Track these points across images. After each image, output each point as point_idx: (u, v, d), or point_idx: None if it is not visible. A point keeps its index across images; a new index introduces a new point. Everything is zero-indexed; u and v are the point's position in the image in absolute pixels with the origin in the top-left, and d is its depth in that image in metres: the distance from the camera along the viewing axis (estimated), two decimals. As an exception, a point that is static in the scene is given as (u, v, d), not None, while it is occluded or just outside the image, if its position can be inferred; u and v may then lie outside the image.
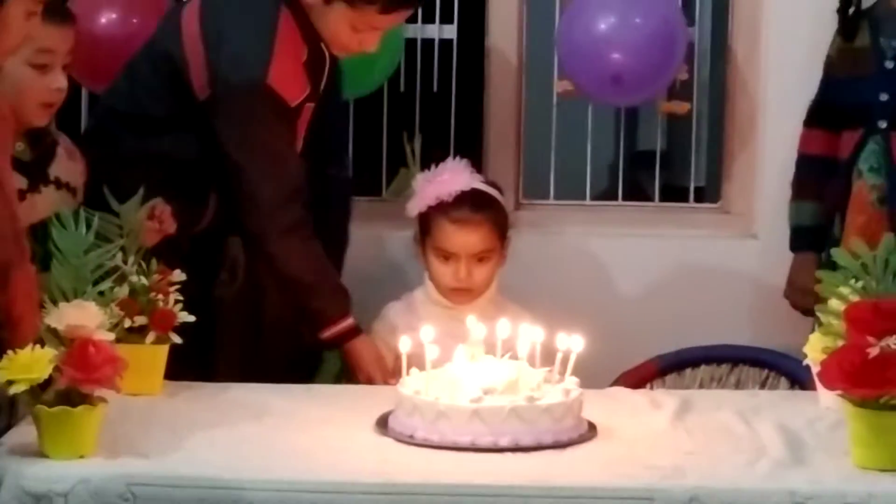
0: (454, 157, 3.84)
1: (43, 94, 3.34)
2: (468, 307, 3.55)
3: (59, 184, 3.42)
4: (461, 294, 3.69)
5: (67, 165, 3.47)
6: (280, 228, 3.58)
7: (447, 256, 3.70)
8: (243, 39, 3.53)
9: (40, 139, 3.41)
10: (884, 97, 3.84)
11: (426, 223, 3.74)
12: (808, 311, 3.65)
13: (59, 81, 3.35)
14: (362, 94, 4.38)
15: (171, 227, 3.52)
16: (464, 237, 3.70)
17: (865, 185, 3.86)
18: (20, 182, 3.25)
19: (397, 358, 3.02)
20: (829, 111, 3.99)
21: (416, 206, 3.76)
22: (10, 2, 2.80)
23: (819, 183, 4.05)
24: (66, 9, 3.43)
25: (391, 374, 3.53)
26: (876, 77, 3.89)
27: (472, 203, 3.71)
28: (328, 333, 3.63)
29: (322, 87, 3.69)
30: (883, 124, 3.84)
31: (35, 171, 3.35)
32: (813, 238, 4.05)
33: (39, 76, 3.31)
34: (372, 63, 4.12)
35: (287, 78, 3.54)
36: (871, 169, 3.85)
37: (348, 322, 3.65)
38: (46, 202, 3.28)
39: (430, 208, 3.72)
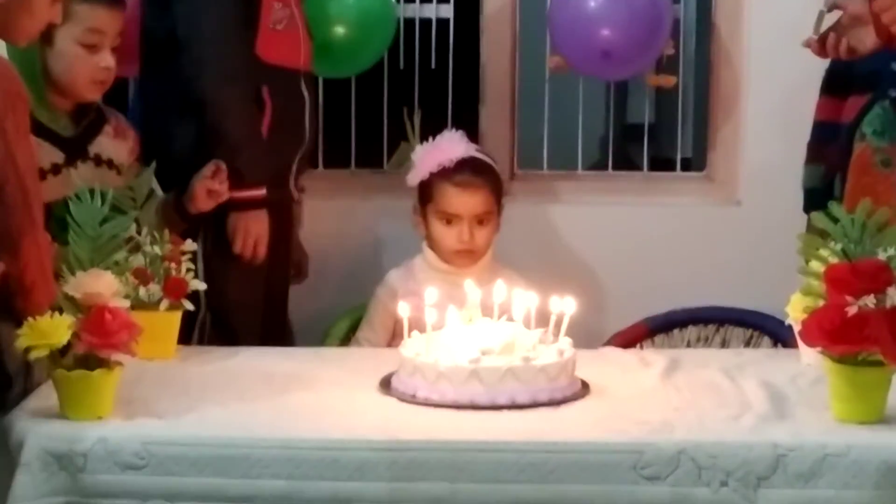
0: (450, 130, 3.85)
1: (93, 72, 3.37)
2: (466, 272, 3.56)
3: (98, 160, 3.42)
4: (464, 256, 3.70)
5: (113, 143, 3.48)
6: (222, 74, 3.55)
7: (450, 220, 3.72)
8: None
9: (84, 115, 3.41)
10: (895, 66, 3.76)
11: (428, 190, 3.75)
12: None
13: (108, 61, 3.38)
14: (361, 72, 4.38)
15: (226, 192, 3.52)
16: (466, 199, 3.72)
17: (869, 147, 3.79)
18: (57, 156, 3.26)
19: (398, 321, 3.02)
20: (839, 79, 3.92)
21: (417, 175, 3.77)
22: None
23: (826, 147, 4.03)
24: None
25: (259, 259, 3.60)
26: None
27: (472, 168, 3.74)
28: (238, 195, 3.58)
29: None
30: (894, 93, 3.77)
31: (74, 146, 3.36)
32: (823, 200, 4.02)
33: (89, 55, 3.35)
34: (367, 41, 4.11)
35: None
36: (874, 132, 3.79)
37: (260, 192, 3.62)
38: (82, 178, 3.27)
39: (432, 175, 3.74)
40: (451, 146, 3.77)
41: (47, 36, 3.25)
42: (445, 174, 3.73)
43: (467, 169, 3.74)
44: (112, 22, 3.38)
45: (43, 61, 3.30)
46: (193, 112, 3.56)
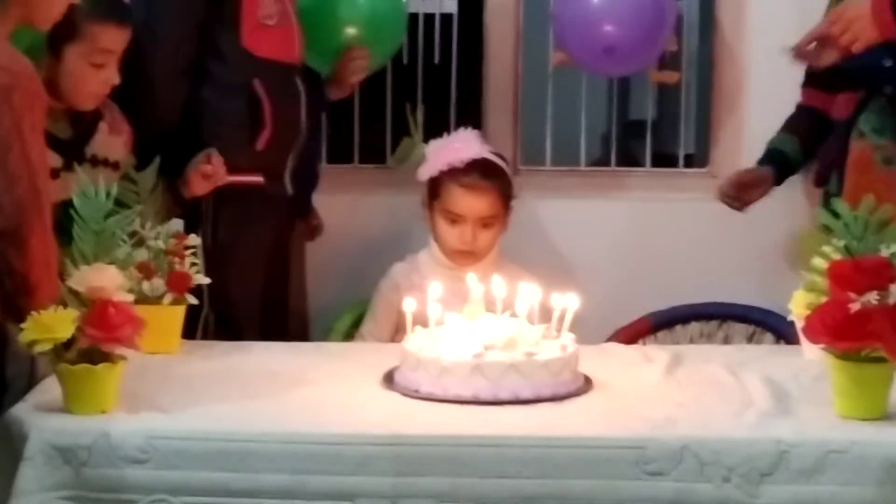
0: (464, 128, 3.86)
1: (96, 87, 3.37)
2: (470, 268, 3.55)
3: (95, 161, 3.41)
4: (465, 256, 3.70)
5: (108, 140, 3.46)
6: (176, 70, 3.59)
7: (454, 220, 3.72)
8: None
9: (82, 117, 3.41)
10: (888, 63, 3.76)
11: (436, 187, 3.75)
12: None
13: (114, 78, 3.38)
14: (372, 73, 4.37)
15: (223, 176, 3.53)
16: (472, 201, 3.71)
17: (868, 145, 3.79)
18: (55, 161, 3.26)
19: (401, 315, 3.01)
20: (824, 73, 3.92)
21: (427, 171, 3.77)
22: None
23: (803, 125, 4.04)
24: (125, 9, 3.45)
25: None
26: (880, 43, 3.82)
27: (481, 170, 3.73)
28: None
29: None
30: (889, 89, 3.77)
31: (71, 149, 3.35)
32: (781, 164, 4.04)
33: (96, 72, 3.35)
34: (378, 42, 4.11)
35: None
36: (874, 130, 3.78)
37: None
38: (80, 181, 3.25)
39: (442, 173, 3.74)
40: (464, 145, 3.77)
41: (57, 50, 3.27)
42: (454, 174, 3.72)
43: (476, 171, 3.73)
44: (121, 40, 3.38)
45: (48, 71, 3.28)
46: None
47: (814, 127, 4.01)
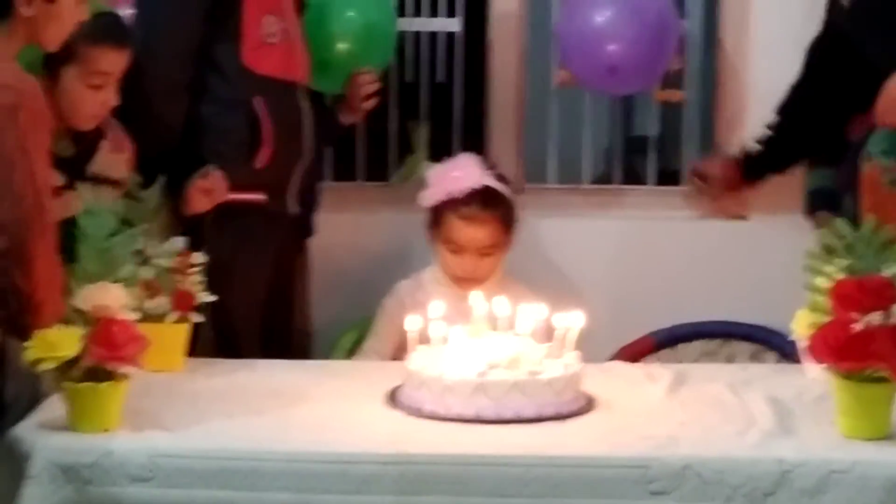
0: (465, 152, 3.87)
1: (94, 108, 3.36)
2: (474, 287, 3.54)
3: (97, 179, 3.40)
4: (468, 282, 3.68)
5: (109, 159, 3.44)
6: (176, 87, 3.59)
7: (455, 250, 3.71)
8: None
9: (84, 136, 3.40)
10: None
11: (437, 215, 3.76)
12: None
13: (112, 100, 3.37)
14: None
15: (223, 193, 3.53)
16: (472, 233, 3.71)
17: (877, 167, 3.79)
18: (57, 179, 3.25)
19: (405, 332, 3.02)
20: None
21: (428, 199, 3.76)
22: None
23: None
24: (124, 31, 3.43)
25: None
26: None
27: (481, 200, 3.73)
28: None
29: None
30: None
31: (73, 168, 3.34)
32: (828, 199, 4.05)
33: (93, 93, 3.33)
34: (368, 57, 4.12)
35: None
36: (882, 152, 3.78)
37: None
38: (82, 199, 3.26)
39: (442, 203, 3.72)
40: (463, 174, 3.75)
41: (54, 71, 3.26)
42: (453, 205, 3.72)
43: (476, 202, 3.72)
44: (119, 63, 3.36)
45: (46, 91, 3.27)
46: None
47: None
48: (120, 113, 3.44)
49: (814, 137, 4.10)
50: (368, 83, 3.99)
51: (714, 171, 4.37)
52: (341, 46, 4.09)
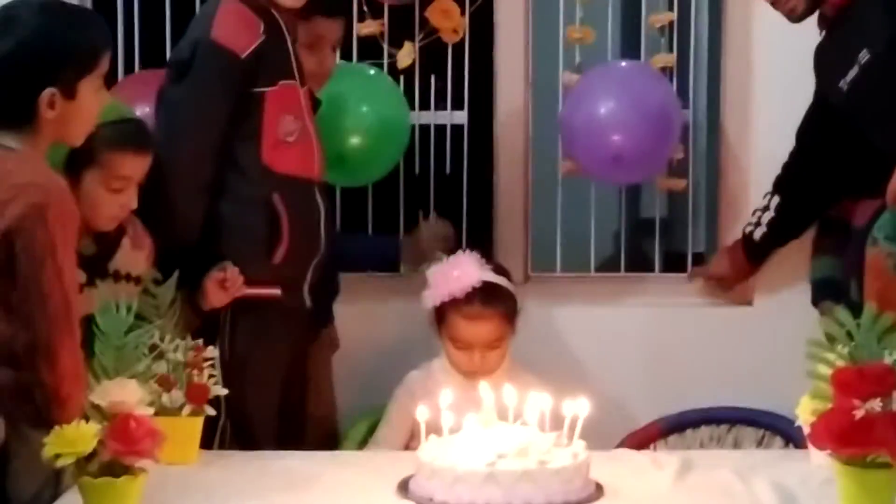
0: (465, 250, 3.90)
1: (114, 210, 3.39)
2: (482, 378, 3.58)
3: (117, 276, 3.44)
4: (476, 375, 3.69)
5: (130, 256, 3.47)
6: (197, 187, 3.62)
7: (460, 347, 3.76)
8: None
9: (106, 234, 3.43)
10: None
11: (441, 314, 3.81)
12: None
13: (131, 203, 3.39)
14: (376, 180, 4.46)
15: (239, 287, 3.58)
16: (476, 330, 3.76)
17: (882, 252, 3.81)
18: (80, 277, 3.29)
19: (416, 422, 3.06)
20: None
21: (430, 300, 3.81)
22: (82, 84, 2.90)
23: (832, 240, 4.11)
24: (146, 137, 3.46)
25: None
26: None
27: (482, 298, 3.77)
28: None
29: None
30: None
31: (95, 265, 3.38)
32: (832, 289, 4.08)
33: (113, 196, 3.36)
34: (382, 151, 4.19)
35: (231, 27, 3.63)
36: (886, 237, 3.81)
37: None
38: (102, 296, 3.29)
39: (444, 303, 3.78)
40: (462, 272, 3.79)
41: (75, 172, 3.28)
42: (455, 304, 3.76)
43: (477, 300, 3.76)
44: (140, 168, 3.39)
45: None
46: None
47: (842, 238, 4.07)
48: (141, 210, 3.47)
49: (813, 212, 4.14)
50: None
51: (723, 269, 4.40)
52: (355, 141, 4.16)
